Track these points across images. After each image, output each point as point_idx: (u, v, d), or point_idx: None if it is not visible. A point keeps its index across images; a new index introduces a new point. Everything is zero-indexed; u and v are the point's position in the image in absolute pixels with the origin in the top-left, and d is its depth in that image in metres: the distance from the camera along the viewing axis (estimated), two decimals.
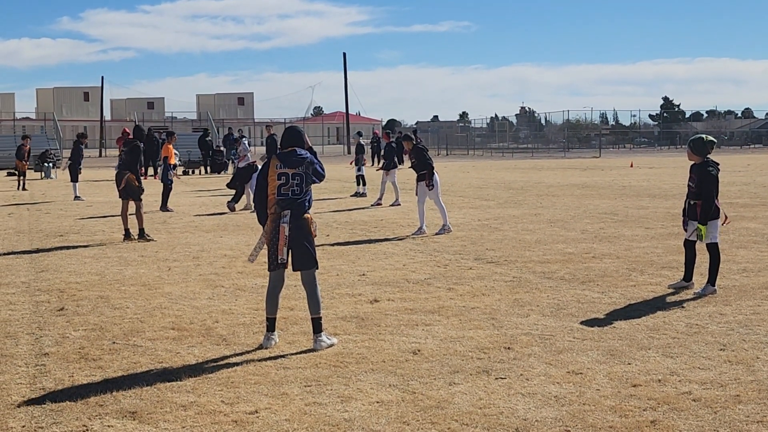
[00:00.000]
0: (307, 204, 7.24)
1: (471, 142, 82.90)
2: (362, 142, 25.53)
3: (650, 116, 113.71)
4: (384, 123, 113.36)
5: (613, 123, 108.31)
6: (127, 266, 11.66)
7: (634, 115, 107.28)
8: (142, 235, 14.37)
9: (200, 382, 6.29)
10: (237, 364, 6.78)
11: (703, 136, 9.58)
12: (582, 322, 8.03)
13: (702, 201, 9.19)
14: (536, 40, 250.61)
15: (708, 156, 9.35)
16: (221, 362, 6.84)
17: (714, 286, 9.26)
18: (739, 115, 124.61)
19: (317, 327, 7.20)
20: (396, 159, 22.37)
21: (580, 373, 6.38)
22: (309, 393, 6.02)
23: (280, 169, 7.18)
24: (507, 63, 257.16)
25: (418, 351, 7.07)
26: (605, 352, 6.98)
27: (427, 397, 5.88)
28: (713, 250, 9.28)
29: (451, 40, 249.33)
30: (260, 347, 7.24)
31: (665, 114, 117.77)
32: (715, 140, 9.52)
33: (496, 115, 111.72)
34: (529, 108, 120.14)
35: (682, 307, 8.66)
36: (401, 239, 14.28)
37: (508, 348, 7.14)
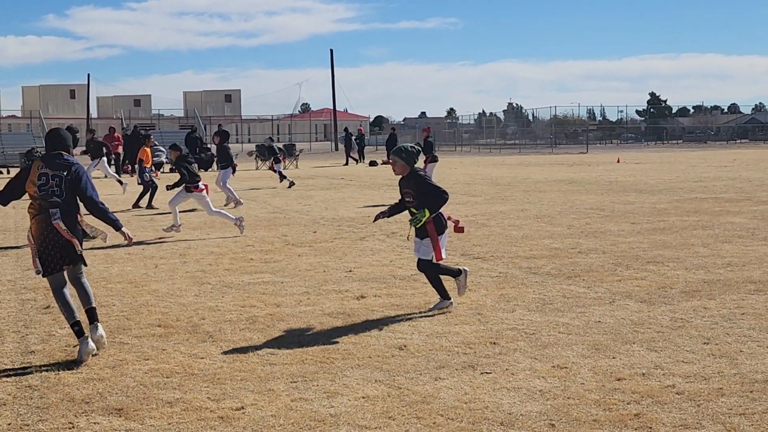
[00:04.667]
0: (71, 206, 7.09)
1: (458, 138, 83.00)
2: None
3: (637, 112, 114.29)
4: (371, 120, 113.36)
5: (600, 119, 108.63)
6: (114, 264, 11.64)
7: (621, 111, 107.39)
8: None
9: (186, 379, 6.30)
10: (223, 360, 6.79)
11: (408, 145, 8.62)
12: (567, 317, 8.07)
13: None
14: (523, 36, 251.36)
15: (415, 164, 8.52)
16: (207, 359, 6.85)
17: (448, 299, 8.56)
18: (725, 110, 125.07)
19: (93, 317, 7.10)
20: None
21: (565, 368, 6.42)
22: (295, 389, 6.03)
23: (41, 170, 7.11)
24: (494, 59, 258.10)
25: (404, 346, 7.10)
26: (590, 346, 7.03)
27: (412, 392, 5.91)
28: (426, 268, 8.50)
29: (438, 37, 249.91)
30: (250, 343, 7.24)
31: (652, 110, 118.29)
32: (418, 148, 8.61)
33: (483, 111, 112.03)
34: (516, 104, 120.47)
35: (667, 301, 8.71)
36: (388, 236, 14.30)
37: (494, 343, 7.18)
